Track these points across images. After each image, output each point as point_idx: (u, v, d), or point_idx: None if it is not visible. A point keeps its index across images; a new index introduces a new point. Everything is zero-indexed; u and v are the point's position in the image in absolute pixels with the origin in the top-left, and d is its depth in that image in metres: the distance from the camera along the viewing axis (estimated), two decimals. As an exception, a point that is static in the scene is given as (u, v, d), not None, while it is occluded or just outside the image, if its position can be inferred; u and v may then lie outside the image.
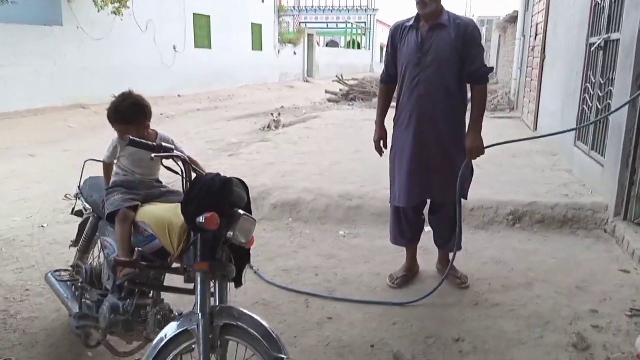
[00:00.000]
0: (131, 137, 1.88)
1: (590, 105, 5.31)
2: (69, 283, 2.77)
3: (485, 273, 3.54)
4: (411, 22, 3.13)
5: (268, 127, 10.42)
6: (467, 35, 3.04)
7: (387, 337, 2.79)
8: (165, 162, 2.06)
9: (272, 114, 11.00)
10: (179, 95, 16.69)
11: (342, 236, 4.29)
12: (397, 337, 2.80)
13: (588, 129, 5.33)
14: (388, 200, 4.60)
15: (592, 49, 5.29)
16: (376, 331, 2.86)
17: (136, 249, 2.18)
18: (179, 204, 2.31)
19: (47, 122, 11.32)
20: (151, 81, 15.64)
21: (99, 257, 2.80)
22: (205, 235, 1.94)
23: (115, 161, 2.53)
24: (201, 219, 1.85)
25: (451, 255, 3.31)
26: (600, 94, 4.97)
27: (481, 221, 4.25)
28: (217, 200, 1.94)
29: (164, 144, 1.98)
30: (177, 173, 2.00)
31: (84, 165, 2.88)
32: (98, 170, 2.84)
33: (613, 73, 4.56)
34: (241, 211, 2.00)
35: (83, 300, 2.61)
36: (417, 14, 3.11)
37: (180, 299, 2.50)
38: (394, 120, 3.32)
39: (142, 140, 1.92)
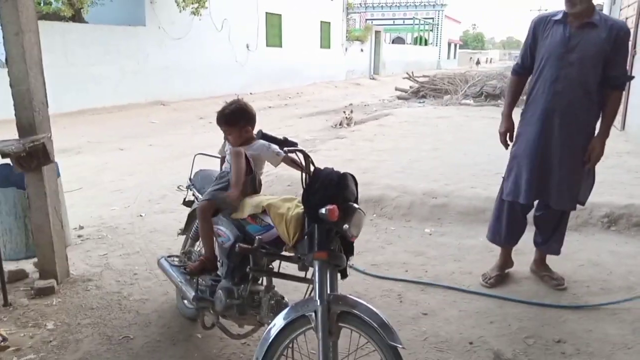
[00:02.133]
0: (263, 131, 2.01)
1: (693, 103, 5.02)
2: (182, 268, 2.96)
3: (582, 275, 3.45)
4: (558, 17, 3.03)
5: (340, 124, 10.52)
6: (619, 39, 2.94)
7: (485, 335, 2.80)
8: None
9: (344, 112, 11.09)
10: (250, 93, 17.15)
11: (428, 234, 4.30)
12: (495, 335, 2.80)
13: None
14: (474, 199, 4.61)
15: (697, 44, 4.99)
16: (473, 328, 2.87)
17: (256, 237, 2.31)
18: (292, 196, 2.44)
19: (131, 118, 11.99)
20: (225, 79, 16.19)
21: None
22: (322, 226, 2.04)
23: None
24: (323, 211, 1.94)
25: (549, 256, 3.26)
26: None
27: (574, 222, 4.12)
28: (336, 194, 2.03)
29: (288, 138, 2.10)
30: (299, 166, 2.11)
31: (194, 159, 3.06)
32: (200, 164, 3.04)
33: None
34: (356, 205, 2.09)
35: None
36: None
37: (282, 286, 2.63)
38: (521, 114, 3.23)
39: (272, 135, 2.04)
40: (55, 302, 3.27)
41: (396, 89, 16.49)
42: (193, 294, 2.64)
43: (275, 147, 2.28)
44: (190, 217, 3.14)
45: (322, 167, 2.14)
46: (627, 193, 4.64)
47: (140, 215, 5.01)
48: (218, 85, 15.26)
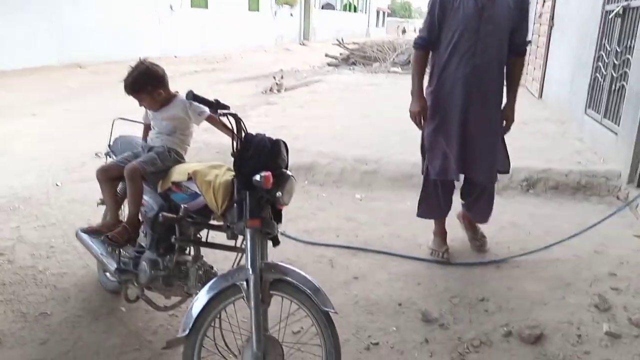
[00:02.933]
0: (194, 92, 1.88)
1: (604, 73, 5.31)
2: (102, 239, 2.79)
3: (504, 237, 3.61)
4: None
5: (270, 90, 10.34)
6: (524, 6, 2.96)
7: (414, 296, 2.87)
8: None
9: (274, 77, 10.88)
10: (175, 56, 16.43)
11: (359, 199, 4.33)
12: (423, 296, 2.88)
13: (600, 97, 5.35)
14: (402, 164, 4.68)
15: (610, 16, 5.26)
16: (402, 290, 2.93)
17: (182, 205, 2.19)
18: (220, 163, 2.35)
19: (44, 82, 11.14)
20: (148, 41, 15.40)
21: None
22: (254, 194, 1.96)
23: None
24: (258, 178, 1.87)
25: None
26: (616, 62, 4.97)
27: (496, 186, 4.28)
28: (269, 160, 1.96)
29: (220, 101, 1.98)
30: (229, 130, 2.01)
31: (113, 124, 2.86)
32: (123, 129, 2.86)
33: (632, 40, 4.55)
34: (289, 172, 2.04)
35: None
36: None
37: (211, 256, 2.54)
38: (428, 87, 3.10)
39: (202, 96, 1.92)
40: (-40, 280, 3.00)
41: (326, 56, 16.38)
42: (115, 266, 2.51)
43: (197, 104, 2.16)
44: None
45: (253, 133, 2.06)
46: (545, 158, 4.88)
47: (57, 185, 4.69)
48: (140, 48, 14.37)
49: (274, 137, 2.06)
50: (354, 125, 6.32)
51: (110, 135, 2.89)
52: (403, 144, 5.30)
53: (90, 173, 4.88)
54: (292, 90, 10.05)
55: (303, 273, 1.98)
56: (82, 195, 4.29)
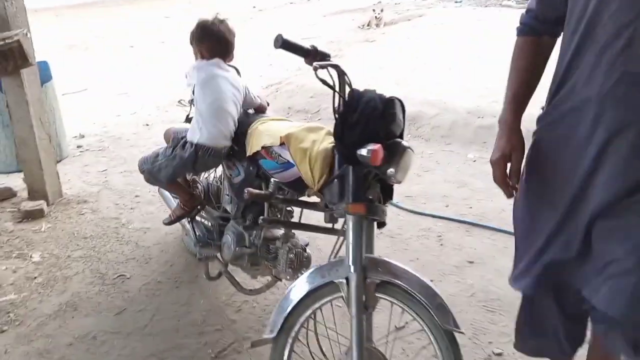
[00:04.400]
0: (283, 37, 1.43)
1: None
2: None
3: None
4: None
5: (368, 25, 9.62)
6: None
7: (545, 294, 2.33)
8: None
9: (373, 10, 10.09)
10: (271, -13, 15.91)
11: (472, 160, 3.73)
12: (557, 294, 2.34)
13: None
14: (528, 119, 3.98)
15: None
16: (530, 284, 2.41)
17: (272, 179, 1.79)
18: (319, 125, 1.90)
19: (143, 11, 11.16)
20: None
21: (215, 173, 2.50)
22: (358, 169, 1.51)
23: None
24: (364, 152, 1.41)
25: None
26: None
27: None
28: (380, 128, 1.49)
29: (319, 48, 1.51)
30: (330, 87, 1.53)
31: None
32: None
33: None
34: (405, 142, 1.55)
35: (201, 220, 2.36)
36: None
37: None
38: (542, 118, 1.41)
39: (296, 43, 1.46)
40: (44, 227, 2.88)
41: (430, -14, 15.07)
42: (194, 239, 2.21)
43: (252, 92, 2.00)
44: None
45: (360, 89, 1.58)
46: None
47: (146, 125, 4.52)
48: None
49: (388, 95, 1.57)
50: (464, 68, 5.55)
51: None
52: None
53: (180, 114, 4.70)
54: (392, 25, 9.26)
55: (418, 275, 1.52)
56: (170, 139, 4.08)
